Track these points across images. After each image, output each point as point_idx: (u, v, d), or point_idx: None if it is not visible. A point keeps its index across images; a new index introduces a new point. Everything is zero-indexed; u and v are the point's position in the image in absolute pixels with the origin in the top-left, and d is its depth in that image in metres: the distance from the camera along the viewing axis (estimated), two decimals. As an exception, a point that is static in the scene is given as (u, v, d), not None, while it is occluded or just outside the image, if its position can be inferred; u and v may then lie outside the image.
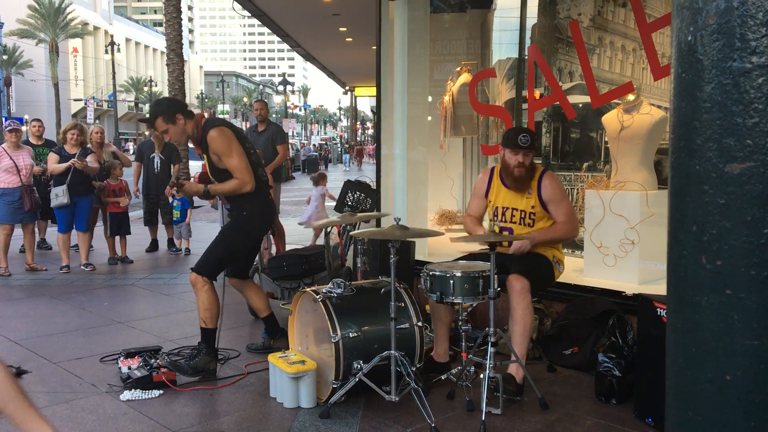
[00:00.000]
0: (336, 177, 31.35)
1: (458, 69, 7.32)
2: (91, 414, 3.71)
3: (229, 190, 4.28)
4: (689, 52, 0.97)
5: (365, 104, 62.04)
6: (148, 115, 4.54)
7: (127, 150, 39.87)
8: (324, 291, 3.87)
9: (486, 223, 4.51)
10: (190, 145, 4.71)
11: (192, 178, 4.56)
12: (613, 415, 3.66)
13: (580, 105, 5.83)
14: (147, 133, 9.55)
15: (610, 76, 5.77)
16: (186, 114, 4.31)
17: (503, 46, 7.26)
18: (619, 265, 5.17)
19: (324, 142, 60.09)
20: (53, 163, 7.63)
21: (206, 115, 4.85)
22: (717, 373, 0.96)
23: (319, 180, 9.93)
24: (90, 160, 7.75)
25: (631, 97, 5.24)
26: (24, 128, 9.13)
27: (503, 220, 4.18)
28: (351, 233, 4.67)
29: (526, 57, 6.58)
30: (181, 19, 17.12)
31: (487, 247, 3.78)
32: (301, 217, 10.50)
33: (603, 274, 5.21)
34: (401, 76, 6.33)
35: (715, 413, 0.96)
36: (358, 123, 65.78)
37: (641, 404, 3.58)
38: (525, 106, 6.31)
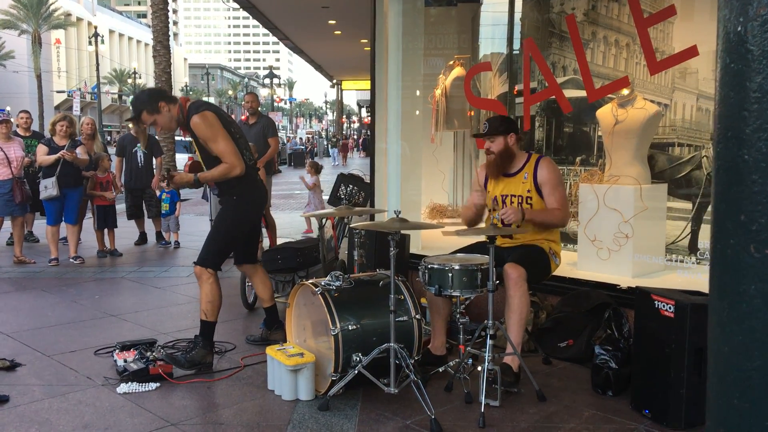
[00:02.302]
0: (324, 170, 31.28)
1: (451, 63, 7.32)
2: (88, 407, 3.69)
3: (219, 175, 4.24)
4: (738, 43, 0.97)
5: (352, 98, 61.90)
6: (132, 113, 4.48)
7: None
8: (323, 283, 3.86)
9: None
10: (178, 138, 4.69)
11: (184, 167, 4.53)
12: (610, 406, 3.69)
13: (568, 99, 5.83)
14: (130, 126, 9.40)
15: (604, 71, 5.80)
16: (168, 100, 4.26)
17: (496, 41, 7.27)
18: (613, 259, 5.20)
19: (310, 136, 59.96)
20: (42, 155, 7.56)
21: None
22: (764, 360, 0.96)
23: (320, 169, 10.76)
24: (79, 151, 7.69)
25: (625, 91, 5.27)
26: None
27: (504, 208, 4.20)
28: (351, 226, 4.66)
29: (516, 51, 6.61)
30: (168, 11, 16.96)
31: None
32: (308, 208, 10.61)
33: (596, 267, 5.24)
34: (395, 69, 6.32)
35: (762, 401, 0.96)
36: (344, 117, 65.61)
37: (638, 396, 3.61)
38: (518, 100, 6.33)
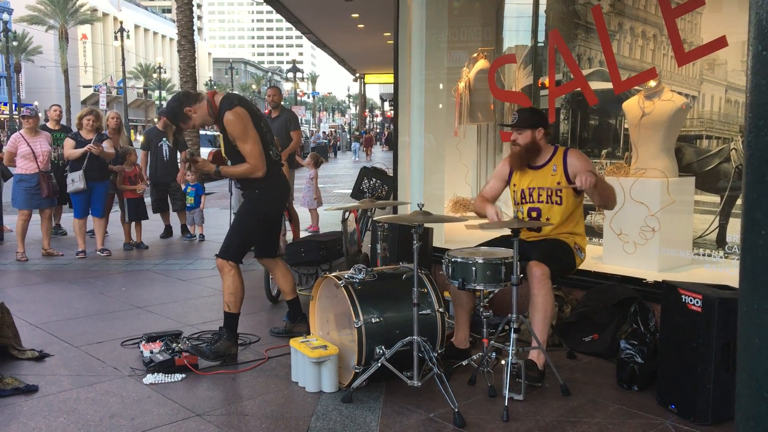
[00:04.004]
0: (345, 165, 31.35)
1: (474, 55, 7.27)
2: (115, 397, 3.74)
3: (240, 173, 4.30)
4: (772, 29, 0.94)
5: (374, 91, 61.88)
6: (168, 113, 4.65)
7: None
8: (346, 276, 3.87)
9: (505, 209, 4.49)
10: (202, 132, 4.76)
11: (207, 157, 4.58)
12: (636, 401, 3.65)
13: (594, 91, 5.77)
14: (155, 120, 9.49)
15: (630, 62, 5.73)
16: (192, 102, 4.30)
17: (520, 33, 7.22)
18: (639, 253, 5.14)
19: (333, 130, 60.11)
20: (69, 149, 7.66)
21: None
22: (796, 353, 0.94)
23: (320, 163, 10.57)
24: (106, 145, 7.77)
25: (652, 83, 5.20)
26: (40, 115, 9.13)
27: (531, 200, 4.16)
28: (375, 219, 4.66)
29: (541, 43, 6.55)
30: (192, 6, 17.04)
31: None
32: (303, 201, 10.55)
33: (622, 261, 5.19)
34: (419, 62, 6.29)
35: (794, 394, 0.94)
36: (367, 110, 65.63)
37: (664, 391, 3.57)
38: (543, 92, 6.28)
